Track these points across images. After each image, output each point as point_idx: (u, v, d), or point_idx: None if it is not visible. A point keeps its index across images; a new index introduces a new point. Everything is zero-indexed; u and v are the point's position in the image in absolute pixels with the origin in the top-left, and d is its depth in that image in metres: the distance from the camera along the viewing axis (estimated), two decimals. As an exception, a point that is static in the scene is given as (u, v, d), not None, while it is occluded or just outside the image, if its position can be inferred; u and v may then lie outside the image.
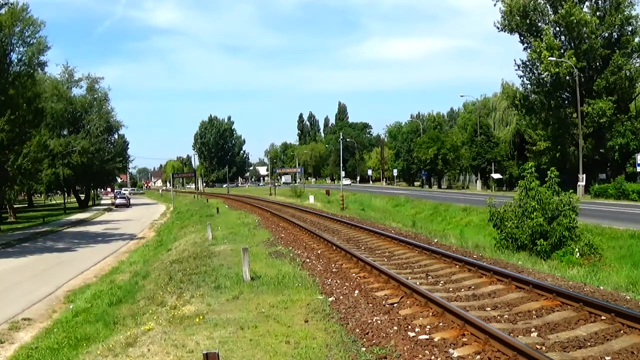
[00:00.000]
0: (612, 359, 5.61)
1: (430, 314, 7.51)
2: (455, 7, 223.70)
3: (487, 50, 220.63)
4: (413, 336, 6.58)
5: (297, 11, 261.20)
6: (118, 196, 69.94)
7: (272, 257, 13.68)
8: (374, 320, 7.35)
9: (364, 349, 6.23)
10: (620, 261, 15.43)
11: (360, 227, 19.82)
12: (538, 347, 5.97)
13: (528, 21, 41.78)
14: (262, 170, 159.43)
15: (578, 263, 13.48)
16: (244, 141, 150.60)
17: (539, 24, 42.10)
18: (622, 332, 6.40)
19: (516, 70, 44.40)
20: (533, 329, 6.68)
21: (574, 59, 38.53)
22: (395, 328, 6.94)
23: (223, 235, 19.98)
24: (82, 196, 70.29)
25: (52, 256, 22.94)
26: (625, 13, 38.60)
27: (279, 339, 6.69)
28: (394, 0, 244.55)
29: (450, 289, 9.17)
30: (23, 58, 35.01)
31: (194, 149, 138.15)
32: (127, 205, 64.17)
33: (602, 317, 6.83)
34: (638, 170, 37.13)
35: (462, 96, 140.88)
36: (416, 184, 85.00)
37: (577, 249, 14.80)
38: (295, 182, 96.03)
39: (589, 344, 6.05)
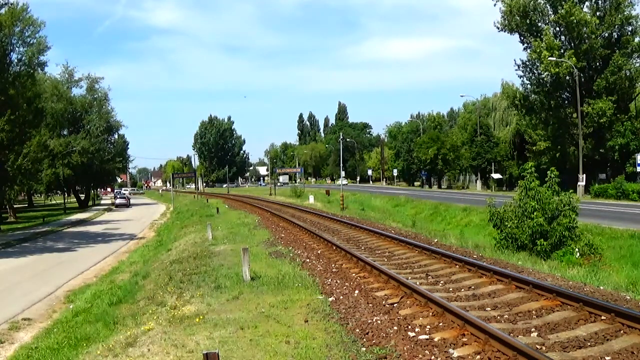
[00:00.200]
0: (612, 359, 5.60)
1: (430, 314, 7.51)
2: (455, 7, 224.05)
3: (487, 50, 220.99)
4: (413, 336, 6.58)
5: (297, 11, 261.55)
6: (118, 196, 69.94)
7: (272, 257, 13.68)
8: (374, 320, 7.35)
9: (364, 349, 6.23)
10: (620, 261, 15.45)
11: (360, 227, 19.81)
12: (538, 347, 5.97)
13: (528, 21, 41.80)
14: (262, 170, 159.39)
15: (578, 263, 13.48)
16: (244, 141, 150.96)
17: (539, 24, 42.13)
18: (622, 332, 6.39)
19: (516, 70, 44.55)
20: (533, 329, 6.68)
21: (574, 59, 38.54)
22: (395, 328, 6.94)
23: (223, 235, 19.98)
24: (82, 196, 70.30)
25: (52, 256, 22.94)
26: (625, 13, 38.64)
27: (279, 339, 6.69)
28: (394, 0, 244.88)
29: (450, 289, 9.17)
30: (23, 58, 35.00)
31: (194, 149, 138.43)
32: (127, 205, 64.17)
33: (602, 317, 6.83)
34: (638, 170, 37.14)
35: (462, 96, 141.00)
36: (416, 184, 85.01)
37: (577, 249, 14.80)
38: (296, 182, 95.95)
39: (589, 344, 6.05)
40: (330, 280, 10.44)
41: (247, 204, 43.32)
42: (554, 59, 38.43)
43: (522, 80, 45.38)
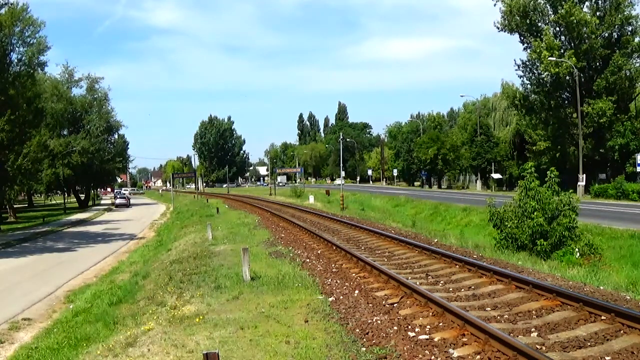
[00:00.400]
0: (612, 359, 5.60)
1: (430, 314, 7.51)
2: (455, 7, 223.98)
3: (487, 50, 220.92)
4: (413, 336, 6.58)
5: (297, 11, 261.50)
6: (118, 196, 69.95)
7: (272, 257, 13.68)
8: (374, 320, 7.35)
9: (364, 349, 6.23)
10: (620, 261, 15.45)
11: (360, 227, 19.81)
12: (538, 347, 5.97)
13: (528, 21, 41.79)
14: (262, 170, 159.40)
15: (578, 263, 13.47)
16: (244, 141, 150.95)
17: (539, 24, 42.11)
18: (622, 332, 6.39)
19: (516, 70, 44.53)
20: (533, 329, 6.68)
21: (574, 59, 38.54)
22: (395, 328, 6.94)
23: (223, 235, 19.98)
24: (82, 196, 70.31)
25: (52, 256, 22.94)
26: (625, 13, 38.62)
27: (279, 339, 6.69)
28: (394, 0, 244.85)
29: (450, 289, 9.17)
30: (23, 58, 35.01)
31: (194, 149, 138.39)
32: (127, 205, 64.17)
33: (602, 317, 6.83)
34: (638, 170, 37.13)
35: (462, 96, 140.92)
36: (416, 184, 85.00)
37: (577, 249, 14.80)
38: (296, 182, 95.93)
39: (589, 344, 6.05)
40: (330, 280, 10.44)
41: (247, 204, 43.32)
42: (554, 59, 38.42)
43: (522, 80, 45.46)
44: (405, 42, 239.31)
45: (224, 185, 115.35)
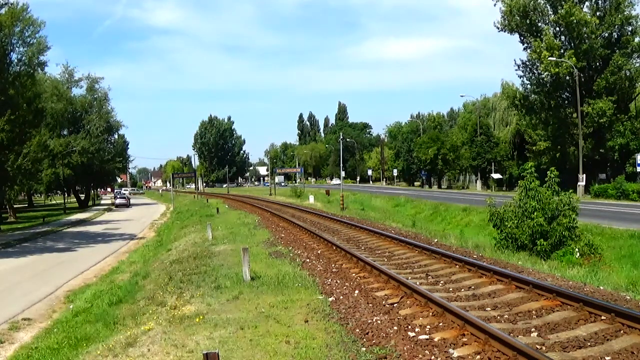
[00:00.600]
0: (612, 359, 5.60)
1: (430, 314, 7.51)
2: (455, 7, 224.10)
3: (487, 50, 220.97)
4: (413, 336, 6.58)
5: (297, 11, 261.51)
6: (118, 196, 69.95)
7: (272, 257, 13.68)
8: (374, 320, 7.35)
9: (364, 349, 6.23)
10: (620, 261, 15.45)
11: (360, 227, 19.81)
12: (538, 347, 5.97)
13: (528, 21, 41.79)
14: (262, 170, 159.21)
15: (578, 263, 13.48)
16: (244, 141, 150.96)
17: (539, 24, 42.12)
18: (622, 332, 6.40)
19: (516, 70, 44.54)
20: (533, 329, 6.68)
21: (574, 59, 38.53)
22: (395, 328, 6.94)
23: (223, 235, 19.98)
24: (82, 196, 70.31)
25: (52, 256, 22.94)
26: (625, 13, 38.62)
27: (279, 339, 6.69)
28: (394, 0, 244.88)
29: (450, 289, 9.17)
30: (23, 58, 34.98)
31: (194, 149, 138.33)
32: (127, 205, 64.17)
33: (602, 317, 6.83)
34: (638, 170, 37.13)
35: (462, 96, 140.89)
36: (416, 184, 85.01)
37: (577, 249, 14.80)
38: (296, 182, 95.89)
39: (589, 344, 6.05)
40: (330, 280, 10.44)
41: (247, 204, 43.32)
42: (554, 59, 38.42)
43: (522, 80, 45.47)
44: (405, 42, 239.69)
45: (224, 185, 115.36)
